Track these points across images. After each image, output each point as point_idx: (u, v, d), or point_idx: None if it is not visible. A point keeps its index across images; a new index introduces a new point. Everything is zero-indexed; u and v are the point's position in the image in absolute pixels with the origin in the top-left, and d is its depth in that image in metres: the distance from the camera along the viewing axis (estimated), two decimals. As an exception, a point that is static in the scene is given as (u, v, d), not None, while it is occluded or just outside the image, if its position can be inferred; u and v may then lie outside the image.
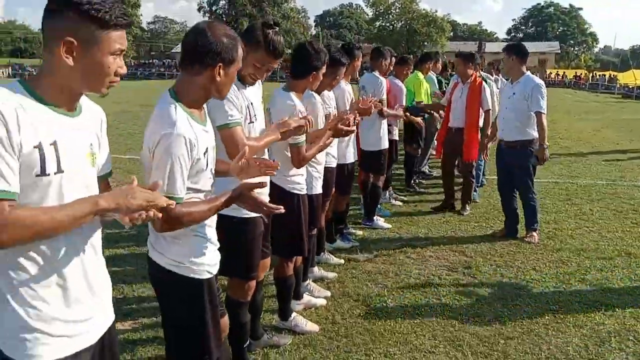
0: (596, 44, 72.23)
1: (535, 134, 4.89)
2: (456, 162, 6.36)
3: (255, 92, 2.67)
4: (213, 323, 1.98)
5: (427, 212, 6.03)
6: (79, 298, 1.43)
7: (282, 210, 2.05)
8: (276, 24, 2.61)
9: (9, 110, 1.22)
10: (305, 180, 3.21)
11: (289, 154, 2.97)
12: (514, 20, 73.76)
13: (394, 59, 5.68)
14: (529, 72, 5.04)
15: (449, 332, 3.30)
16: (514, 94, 4.98)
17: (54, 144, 1.29)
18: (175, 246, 1.89)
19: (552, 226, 5.49)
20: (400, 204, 6.38)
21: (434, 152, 7.64)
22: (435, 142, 7.46)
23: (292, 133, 2.68)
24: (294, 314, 3.37)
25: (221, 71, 1.81)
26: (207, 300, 1.95)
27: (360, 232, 5.20)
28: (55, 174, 1.30)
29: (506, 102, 5.11)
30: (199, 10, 60.44)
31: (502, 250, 4.78)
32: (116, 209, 1.33)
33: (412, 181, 7.21)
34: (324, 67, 3.05)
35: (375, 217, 5.42)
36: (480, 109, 5.79)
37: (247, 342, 2.83)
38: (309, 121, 2.72)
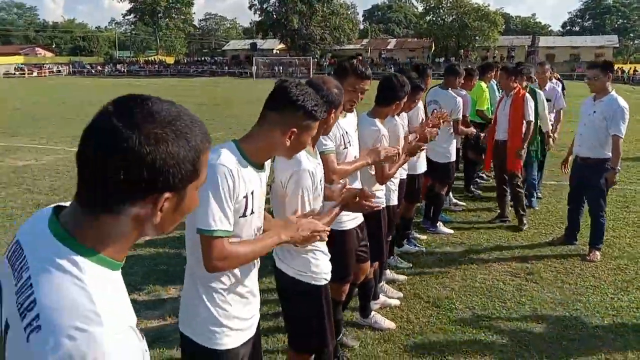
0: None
1: (610, 154, 4.89)
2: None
3: (350, 122, 3.12)
4: (329, 320, 2.45)
5: (487, 219, 6.33)
6: (250, 300, 1.93)
7: (380, 206, 2.54)
8: (358, 54, 3.18)
9: (234, 168, 1.73)
10: (384, 194, 3.66)
11: (373, 172, 3.42)
12: (569, 12, 71.93)
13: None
14: (614, 92, 4.93)
15: (515, 333, 3.66)
16: (594, 112, 4.93)
17: (252, 193, 1.79)
18: (300, 259, 2.36)
19: (610, 234, 5.69)
20: (462, 208, 6.71)
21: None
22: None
23: (382, 161, 3.14)
24: (373, 312, 3.82)
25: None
26: (325, 303, 2.42)
27: (424, 237, 5.59)
28: (250, 214, 1.80)
29: (585, 118, 5.05)
30: (250, 7, 61.55)
31: (562, 257, 5.06)
32: (290, 241, 1.84)
33: (472, 186, 7.51)
34: (406, 97, 3.49)
35: (438, 223, 5.79)
36: (523, 120, 5.85)
37: (340, 335, 3.30)
38: (398, 153, 3.16)
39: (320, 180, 2.35)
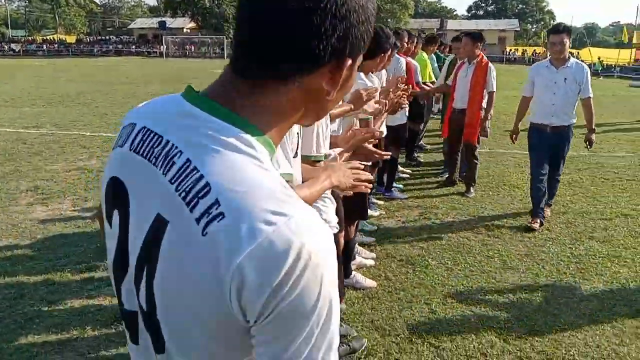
0: (553, 21, 74.28)
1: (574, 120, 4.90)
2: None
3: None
4: (339, 267, 2.34)
5: (434, 183, 6.47)
6: None
7: (389, 154, 2.44)
8: None
9: None
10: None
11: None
12: (474, -4, 74.92)
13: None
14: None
15: (491, 283, 3.76)
16: (565, 79, 4.75)
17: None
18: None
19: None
20: (408, 175, 6.81)
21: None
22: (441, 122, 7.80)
23: (363, 103, 3.02)
24: (353, 272, 3.75)
25: None
26: (336, 250, 2.31)
27: (381, 202, 5.60)
28: (297, 155, 1.66)
29: (555, 87, 4.79)
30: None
31: (515, 214, 5.27)
32: (337, 186, 1.68)
33: (414, 154, 7.65)
34: (390, 50, 3.40)
35: (392, 188, 5.83)
36: (485, 90, 5.75)
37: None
38: (385, 103, 3.07)
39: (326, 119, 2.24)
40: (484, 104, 5.83)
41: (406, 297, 3.56)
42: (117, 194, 0.78)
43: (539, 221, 4.85)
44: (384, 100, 3.19)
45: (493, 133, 8.73)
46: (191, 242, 0.65)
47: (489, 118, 5.90)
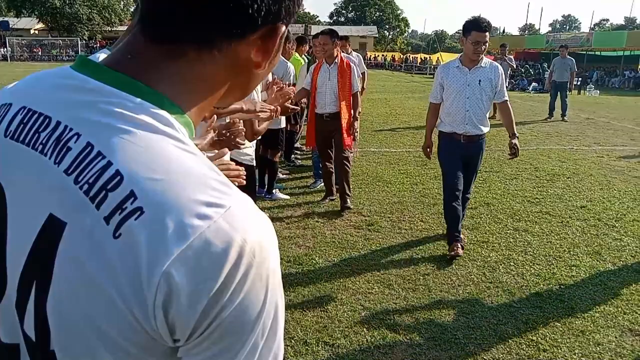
0: (408, 28, 79.81)
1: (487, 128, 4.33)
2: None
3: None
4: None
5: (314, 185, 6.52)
6: None
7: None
8: None
9: None
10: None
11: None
12: (335, 4, 77.92)
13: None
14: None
15: (375, 275, 3.84)
16: (480, 81, 4.14)
17: None
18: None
19: (421, 187, 6.39)
20: (286, 177, 6.80)
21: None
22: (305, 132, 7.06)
23: (254, 112, 2.91)
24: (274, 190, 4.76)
25: None
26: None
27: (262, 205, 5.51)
28: None
29: (468, 91, 4.15)
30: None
31: (392, 209, 5.48)
32: None
33: (292, 156, 7.66)
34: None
35: (274, 190, 5.76)
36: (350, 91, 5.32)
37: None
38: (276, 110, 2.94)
39: None
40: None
41: (297, 297, 3.51)
42: None
43: (459, 245, 4.19)
44: (273, 106, 3.09)
45: (363, 133, 9.08)
46: (98, 248, 0.51)
47: (357, 119, 5.52)
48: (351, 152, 5.59)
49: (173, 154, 0.55)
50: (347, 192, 5.40)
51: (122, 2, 59.44)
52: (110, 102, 0.57)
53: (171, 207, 0.51)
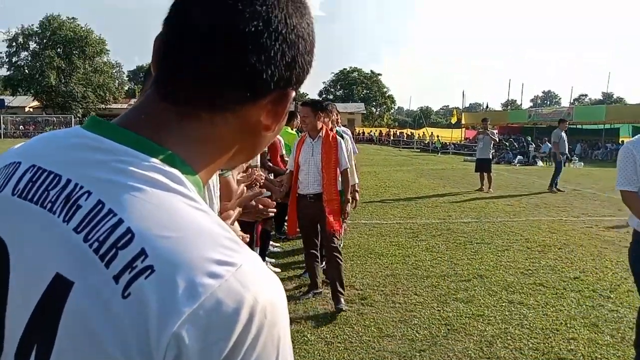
0: (394, 105, 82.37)
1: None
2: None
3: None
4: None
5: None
6: None
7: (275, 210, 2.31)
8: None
9: None
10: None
11: None
12: (324, 82, 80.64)
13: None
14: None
15: (369, 352, 3.72)
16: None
17: None
18: None
19: (413, 259, 6.32)
20: (278, 250, 6.73)
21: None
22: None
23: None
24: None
25: None
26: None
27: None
28: None
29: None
30: (-5, 60, 54.41)
31: (384, 280, 5.40)
32: None
33: (283, 228, 7.63)
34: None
35: (266, 260, 5.69)
36: (337, 168, 4.73)
37: None
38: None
39: None
40: (339, 186, 4.78)
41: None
42: None
43: None
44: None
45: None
46: (107, 308, 0.50)
47: (350, 201, 4.96)
48: (339, 240, 4.89)
49: (184, 212, 0.55)
50: (340, 289, 4.58)
51: (116, 81, 61.21)
52: (122, 160, 0.57)
53: (182, 265, 0.50)
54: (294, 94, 0.65)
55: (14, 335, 0.55)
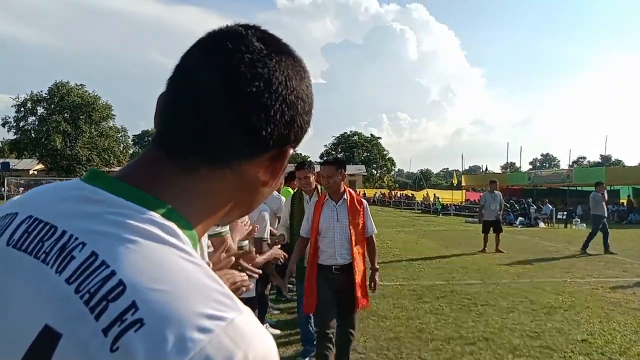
0: (394, 167, 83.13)
1: None
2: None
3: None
4: None
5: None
6: None
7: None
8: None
9: None
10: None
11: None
12: (325, 145, 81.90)
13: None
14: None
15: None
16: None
17: None
18: None
19: (417, 322, 6.20)
20: (278, 312, 6.62)
21: None
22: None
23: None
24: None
25: None
26: None
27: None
28: None
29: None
30: (3, 125, 55.48)
31: (388, 344, 5.27)
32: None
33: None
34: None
35: (265, 324, 5.58)
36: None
37: None
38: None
39: None
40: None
41: None
42: None
43: None
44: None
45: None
46: (91, 357, 0.49)
47: (377, 270, 4.41)
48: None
49: (177, 265, 0.55)
50: None
51: (121, 145, 62.12)
52: (118, 212, 0.58)
53: (172, 319, 0.50)
54: (291, 151, 0.68)
55: None
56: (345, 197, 4.21)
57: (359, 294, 4.06)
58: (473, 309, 6.87)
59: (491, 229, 13.42)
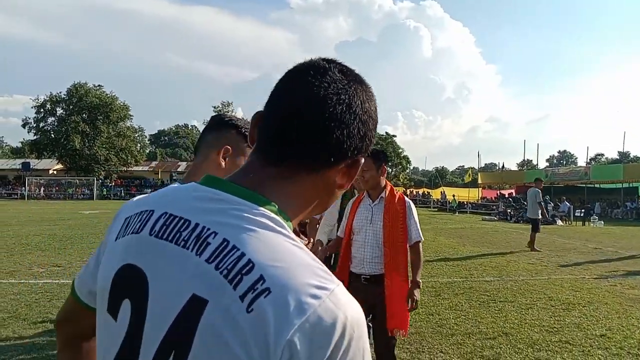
0: (410, 165, 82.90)
1: None
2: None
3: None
4: None
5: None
6: None
7: None
8: None
9: None
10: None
11: None
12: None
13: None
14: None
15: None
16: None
17: None
18: None
19: (437, 317, 6.33)
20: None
21: None
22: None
23: None
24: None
25: None
26: None
27: None
28: None
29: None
30: (23, 126, 56.45)
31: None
32: None
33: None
34: None
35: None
36: (407, 242, 3.63)
37: None
38: None
39: None
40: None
41: None
42: (131, 282, 0.77)
43: None
44: None
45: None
46: (234, 320, 0.65)
47: (419, 284, 3.60)
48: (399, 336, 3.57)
49: (287, 248, 0.72)
50: None
51: (138, 145, 62.80)
52: (237, 208, 0.75)
53: (291, 288, 0.66)
54: (363, 160, 0.85)
55: (153, 342, 0.72)
56: (383, 196, 3.62)
57: (390, 311, 3.43)
58: (492, 305, 7.00)
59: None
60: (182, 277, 0.72)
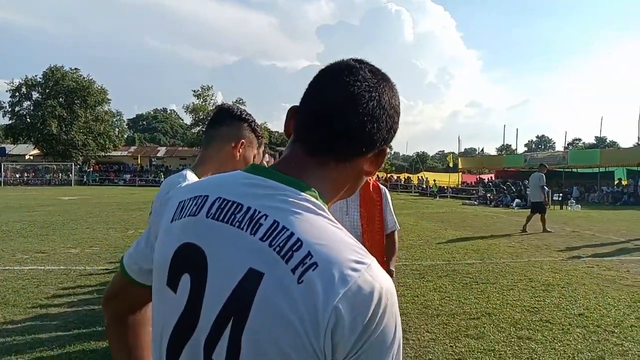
0: (391, 150, 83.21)
1: None
2: None
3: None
4: None
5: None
6: None
7: None
8: None
9: None
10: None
11: None
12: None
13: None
14: None
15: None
16: None
17: None
18: None
19: (422, 299, 6.51)
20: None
21: None
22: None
23: None
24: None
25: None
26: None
27: None
28: None
29: None
30: (-2, 109, 55.18)
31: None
32: None
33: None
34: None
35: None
36: (384, 230, 3.65)
37: None
38: None
39: None
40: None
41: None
42: (190, 259, 0.85)
43: None
44: None
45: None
46: (287, 290, 0.75)
47: (392, 273, 3.64)
48: None
49: (328, 228, 0.82)
50: None
51: (116, 130, 61.98)
52: (283, 194, 0.84)
53: (335, 262, 0.76)
54: (388, 149, 0.95)
55: (211, 313, 0.80)
56: None
57: None
58: (474, 287, 7.20)
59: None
60: (239, 253, 0.81)
